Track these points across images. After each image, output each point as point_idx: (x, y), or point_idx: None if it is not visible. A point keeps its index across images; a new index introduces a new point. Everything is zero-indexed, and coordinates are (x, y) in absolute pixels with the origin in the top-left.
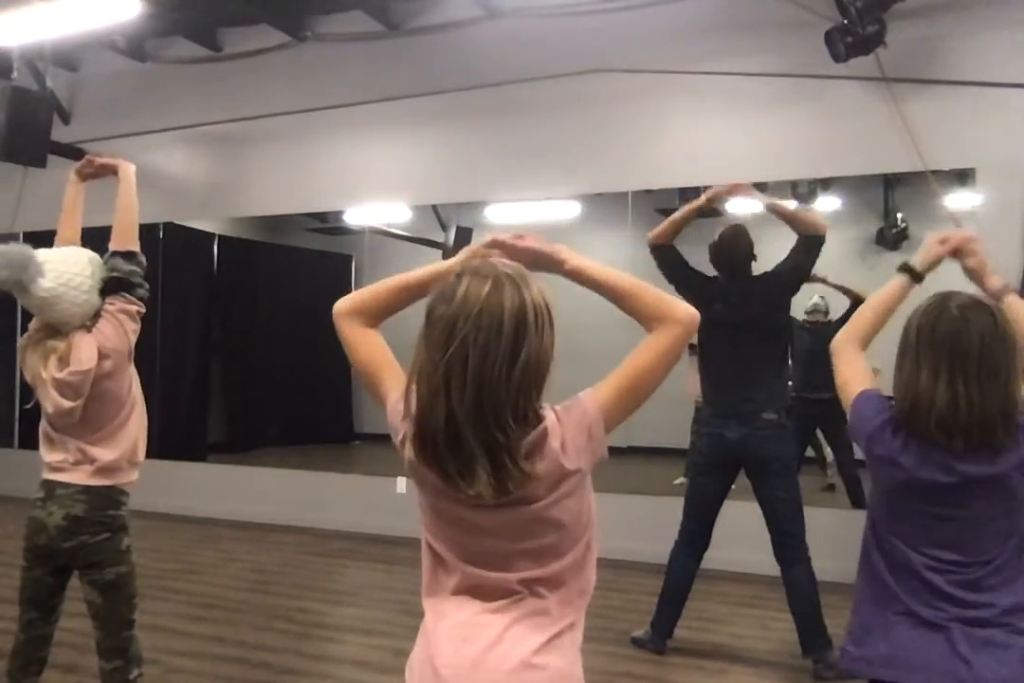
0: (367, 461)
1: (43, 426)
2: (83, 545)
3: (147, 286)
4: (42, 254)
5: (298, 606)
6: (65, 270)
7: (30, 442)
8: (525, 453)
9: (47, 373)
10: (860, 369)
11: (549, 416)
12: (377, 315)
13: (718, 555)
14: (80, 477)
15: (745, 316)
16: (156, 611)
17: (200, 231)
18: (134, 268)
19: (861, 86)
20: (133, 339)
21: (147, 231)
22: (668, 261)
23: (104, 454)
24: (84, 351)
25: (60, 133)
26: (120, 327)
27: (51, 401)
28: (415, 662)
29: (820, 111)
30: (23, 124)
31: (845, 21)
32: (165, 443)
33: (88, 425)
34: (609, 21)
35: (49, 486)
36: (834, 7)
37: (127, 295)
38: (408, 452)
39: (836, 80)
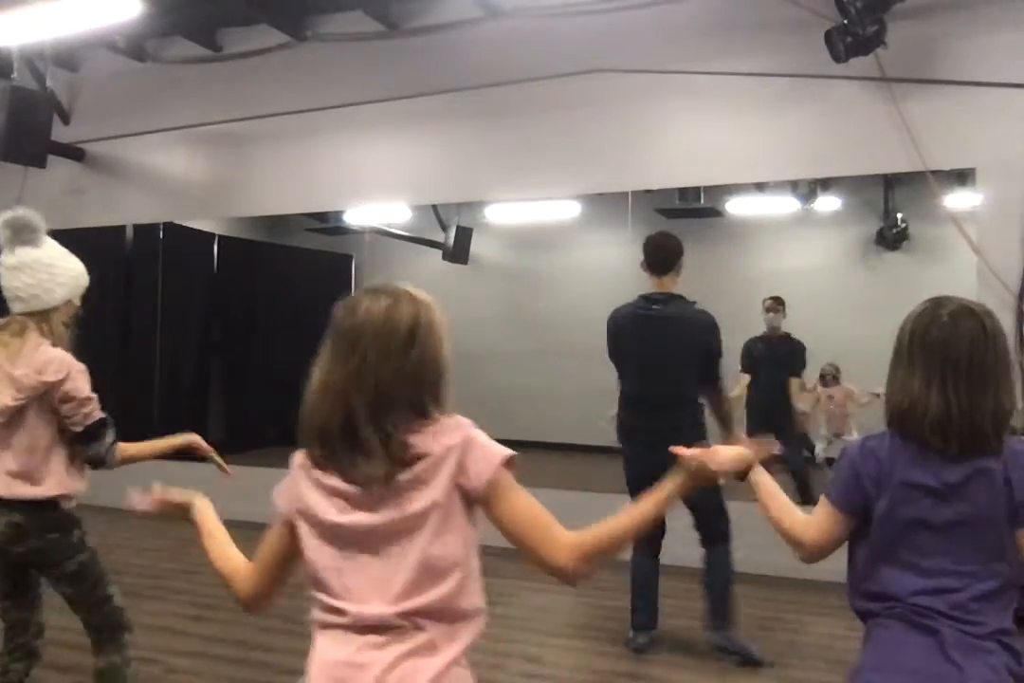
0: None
1: None
2: (34, 549)
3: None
4: (49, 240)
5: (298, 606)
6: (59, 257)
7: None
8: (412, 442)
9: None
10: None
11: (456, 432)
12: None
13: None
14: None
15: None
16: (156, 611)
17: (200, 231)
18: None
19: (861, 86)
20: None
21: (147, 231)
22: None
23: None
24: (54, 365)
25: (60, 133)
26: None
27: None
28: None
29: (820, 111)
30: (23, 124)
31: (845, 21)
32: None
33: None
34: (609, 21)
35: None
36: (834, 7)
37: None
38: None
39: (836, 80)
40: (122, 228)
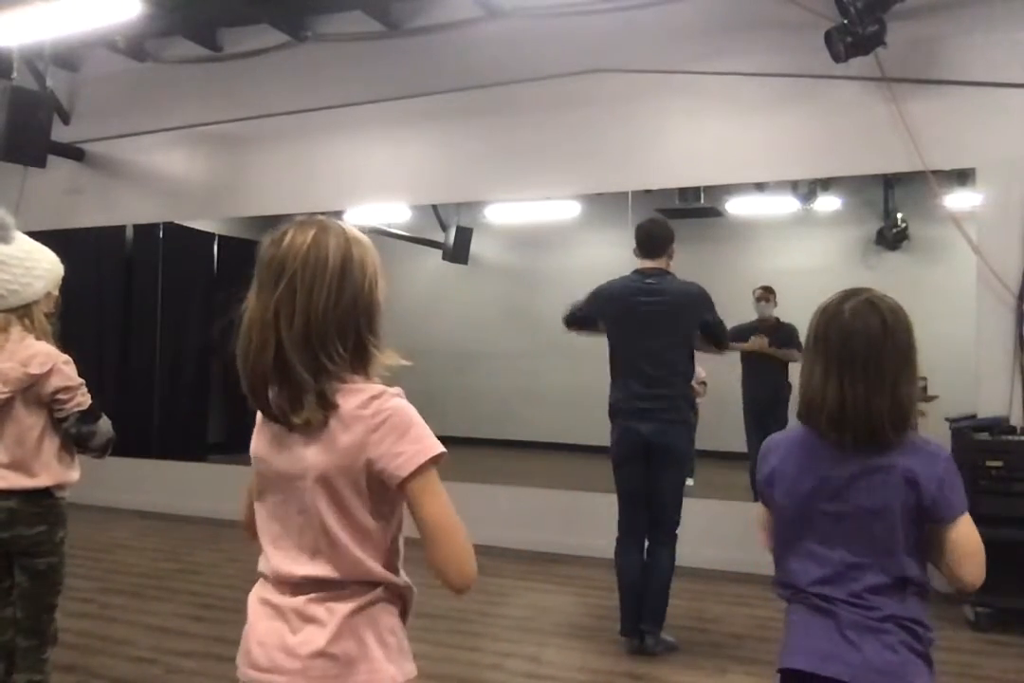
0: None
1: None
2: (20, 536)
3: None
4: (21, 235)
5: None
6: (32, 251)
7: None
8: (347, 390)
9: None
10: None
11: (386, 394)
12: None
13: (717, 555)
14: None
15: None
16: (156, 611)
17: (200, 231)
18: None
19: (861, 86)
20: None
21: (147, 231)
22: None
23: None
24: (39, 358)
25: (60, 133)
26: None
27: None
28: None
29: (820, 111)
30: (23, 124)
31: (845, 21)
32: (165, 443)
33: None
34: (609, 21)
35: None
36: (834, 7)
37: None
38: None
39: (836, 80)
40: (122, 228)
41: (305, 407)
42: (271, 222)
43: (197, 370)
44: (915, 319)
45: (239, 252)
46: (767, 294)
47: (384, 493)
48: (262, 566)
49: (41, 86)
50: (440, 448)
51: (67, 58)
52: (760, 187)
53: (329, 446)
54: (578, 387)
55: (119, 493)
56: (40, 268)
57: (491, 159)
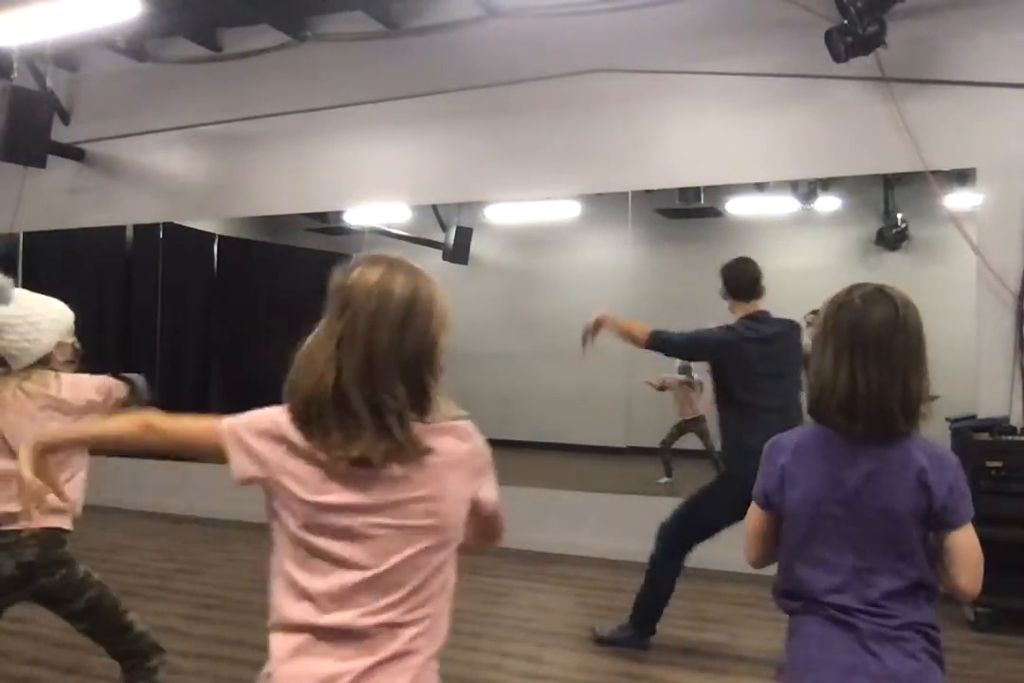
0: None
1: None
2: (42, 588)
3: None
4: (21, 291)
5: None
6: (30, 306)
7: None
8: (418, 434)
9: (22, 394)
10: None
11: (462, 428)
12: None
13: (718, 555)
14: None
15: None
16: (156, 611)
17: (200, 231)
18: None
19: (861, 86)
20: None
21: (147, 231)
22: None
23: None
24: (85, 388)
25: (60, 133)
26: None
27: (29, 422)
28: None
29: (820, 111)
30: (23, 124)
31: (845, 21)
32: None
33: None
34: (609, 21)
35: None
36: (834, 7)
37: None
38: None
39: (836, 80)
40: (122, 228)
41: (367, 442)
42: (271, 222)
43: (197, 370)
44: None
45: (239, 252)
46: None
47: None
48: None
49: (41, 86)
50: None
51: (67, 58)
52: (760, 187)
53: (426, 485)
54: (578, 387)
55: (119, 493)
56: (45, 321)
57: (491, 159)
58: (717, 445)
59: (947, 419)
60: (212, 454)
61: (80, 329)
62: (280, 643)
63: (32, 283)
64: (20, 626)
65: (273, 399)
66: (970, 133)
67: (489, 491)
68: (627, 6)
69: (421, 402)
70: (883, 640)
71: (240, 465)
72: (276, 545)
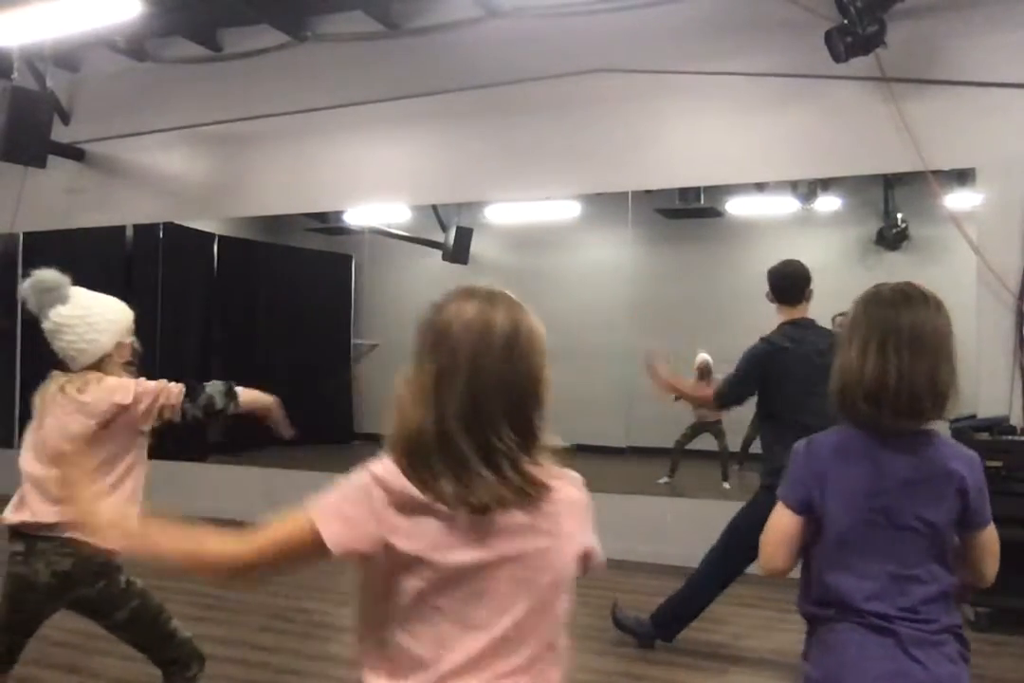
0: (367, 461)
1: (31, 467)
2: (82, 598)
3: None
4: (77, 289)
5: (298, 606)
6: (89, 306)
7: None
8: (535, 475)
9: (61, 397)
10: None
11: (572, 475)
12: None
13: None
14: (65, 527)
15: None
16: None
17: (200, 231)
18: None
19: (861, 86)
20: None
21: (147, 231)
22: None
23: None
24: (120, 390)
25: (60, 133)
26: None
27: (58, 426)
28: None
29: (820, 111)
30: (23, 124)
31: (845, 21)
32: (165, 443)
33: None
34: (609, 21)
35: (28, 539)
36: (834, 7)
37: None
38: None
39: (836, 80)
40: (122, 228)
41: (483, 482)
42: (271, 222)
43: (197, 370)
44: None
45: (239, 252)
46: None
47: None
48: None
49: (41, 86)
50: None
51: (67, 58)
52: (760, 187)
53: (549, 533)
54: (578, 387)
55: None
56: (103, 321)
57: (491, 159)
58: (727, 447)
59: (947, 419)
60: (319, 553)
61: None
62: None
63: None
64: None
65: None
66: (970, 133)
67: (596, 544)
68: (627, 6)
69: (529, 442)
70: (924, 645)
71: (335, 534)
72: (373, 616)
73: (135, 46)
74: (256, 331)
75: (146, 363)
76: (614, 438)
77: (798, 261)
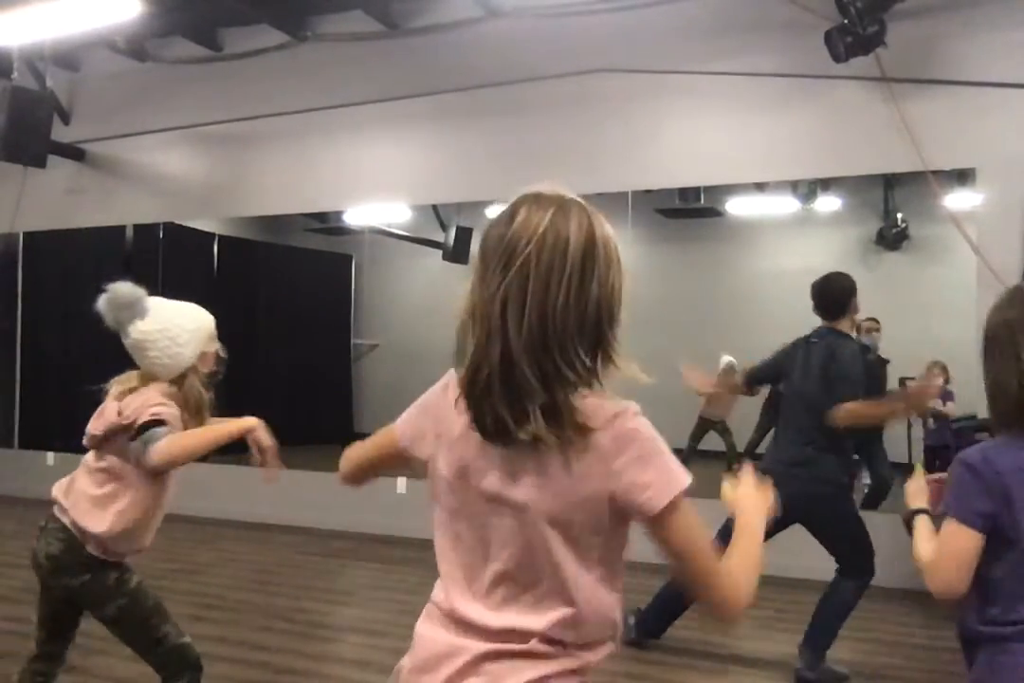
0: None
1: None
2: (68, 587)
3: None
4: (155, 300)
5: (298, 606)
6: (169, 319)
7: (30, 442)
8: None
9: (115, 391)
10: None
11: (628, 412)
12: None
13: None
14: (65, 516)
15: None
16: None
17: (200, 231)
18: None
19: (861, 86)
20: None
21: (147, 231)
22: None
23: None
24: (133, 406)
25: (60, 133)
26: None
27: (97, 418)
28: None
29: (820, 111)
30: (23, 124)
31: (845, 21)
32: None
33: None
34: (609, 21)
35: (49, 517)
36: (834, 7)
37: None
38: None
39: (836, 80)
40: (122, 228)
41: (532, 422)
42: (271, 222)
43: None
44: (915, 319)
45: (239, 252)
46: (875, 324)
47: (620, 529)
48: (440, 598)
49: (41, 86)
50: (688, 479)
51: (67, 58)
52: (760, 187)
53: (563, 474)
54: None
55: None
56: (183, 334)
57: (491, 159)
58: (734, 444)
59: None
60: (403, 459)
61: (79, 330)
62: None
63: (32, 283)
64: (20, 626)
65: (274, 398)
66: (970, 133)
67: (633, 479)
68: (627, 6)
69: (605, 364)
70: None
71: (405, 430)
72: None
73: (135, 46)
74: (256, 331)
75: None
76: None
77: (838, 276)
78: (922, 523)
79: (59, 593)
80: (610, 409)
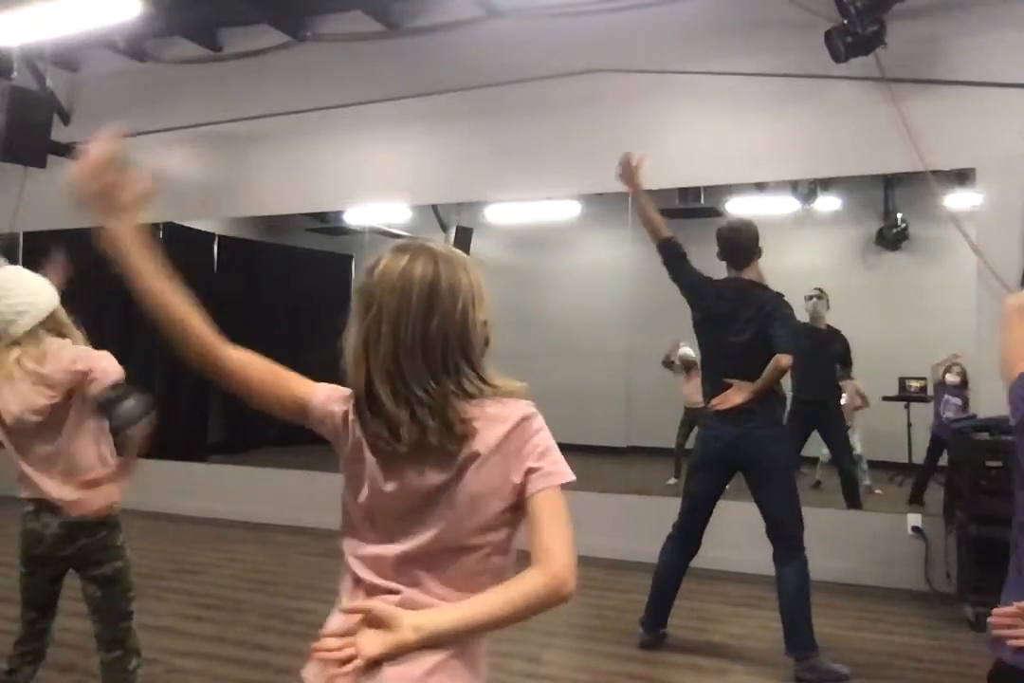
0: None
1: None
2: (83, 547)
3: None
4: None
5: (298, 606)
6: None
7: None
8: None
9: (19, 370)
10: None
11: (517, 409)
12: None
13: (718, 555)
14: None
15: (735, 316)
16: (156, 611)
17: (200, 231)
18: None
19: (861, 86)
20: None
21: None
22: (673, 256)
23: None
24: (80, 359)
25: (60, 133)
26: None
27: (21, 399)
28: None
29: (820, 111)
30: (23, 124)
31: (845, 21)
32: (165, 443)
33: (54, 436)
34: (609, 21)
35: (39, 502)
36: (834, 7)
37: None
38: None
39: (836, 80)
40: None
41: (404, 437)
42: (271, 222)
43: (197, 370)
44: (915, 319)
45: (239, 252)
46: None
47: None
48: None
49: (41, 86)
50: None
51: (67, 58)
52: (760, 187)
53: (468, 471)
54: (578, 387)
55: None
56: (25, 297)
57: (491, 159)
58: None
59: (948, 419)
60: (299, 407)
61: (79, 329)
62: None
63: None
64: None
65: None
66: (970, 133)
67: (542, 467)
68: (627, 6)
69: (466, 386)
70: None
71: (321, 399)
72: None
73: (135, 46)
74: (256, 331)
75: (146, 363)
76: (614, 438)
77: (741, 224)
78: None
79: (62, 564)
80: (503, 410)
